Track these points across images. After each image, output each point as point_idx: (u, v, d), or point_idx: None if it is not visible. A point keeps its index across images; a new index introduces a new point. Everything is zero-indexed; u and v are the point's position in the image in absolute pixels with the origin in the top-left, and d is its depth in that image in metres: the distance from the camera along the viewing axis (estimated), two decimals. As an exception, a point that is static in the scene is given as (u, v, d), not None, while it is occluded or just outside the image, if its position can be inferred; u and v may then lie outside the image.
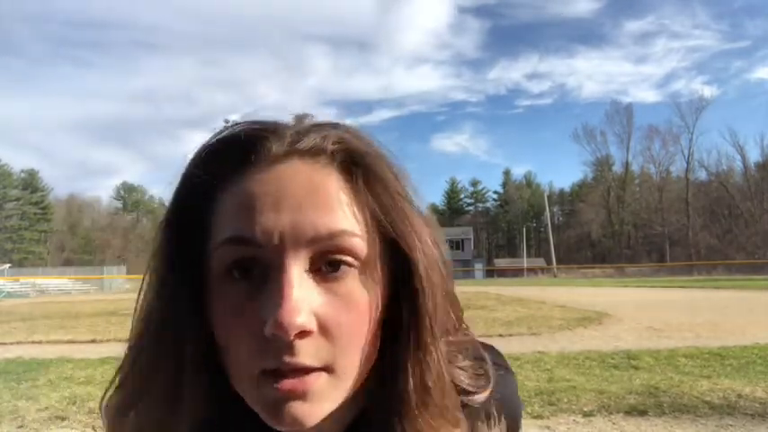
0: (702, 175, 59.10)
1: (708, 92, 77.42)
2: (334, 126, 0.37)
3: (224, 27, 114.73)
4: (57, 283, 38.14)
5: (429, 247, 0.37)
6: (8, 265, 39.04)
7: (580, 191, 74.07)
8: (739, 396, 3.07)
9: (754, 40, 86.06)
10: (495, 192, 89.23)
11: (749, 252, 46.41)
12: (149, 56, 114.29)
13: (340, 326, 0.33)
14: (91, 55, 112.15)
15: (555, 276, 45.22)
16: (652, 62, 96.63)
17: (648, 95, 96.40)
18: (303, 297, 0.32)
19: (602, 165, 66.19)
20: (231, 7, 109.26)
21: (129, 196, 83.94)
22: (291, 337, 0.31)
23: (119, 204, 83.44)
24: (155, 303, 0.36)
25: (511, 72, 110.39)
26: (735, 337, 5.62)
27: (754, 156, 57.51)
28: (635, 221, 61.72)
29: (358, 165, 0.35)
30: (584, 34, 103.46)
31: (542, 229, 72.55)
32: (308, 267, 0.33)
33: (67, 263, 58.05)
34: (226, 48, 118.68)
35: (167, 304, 0.35)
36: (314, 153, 0.35)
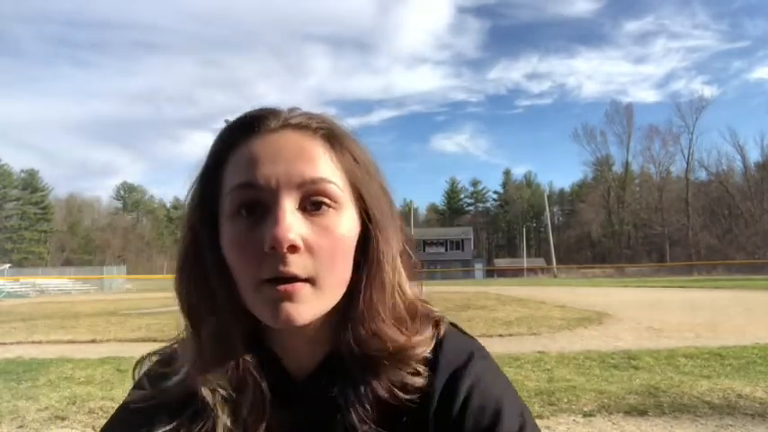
0: (702, 175, 59.09)
1: (708, 92, 77.56)
2: (319, 114, 0.50)
3: (224, 27, 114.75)
4: (57, 283, 38.12)
5: (384, 205, 0.50)
6: (8, 265, 39.02)
7: (580, 191, 74.09)
8: (739, 396, 3.07)
9: (753, 40, 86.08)
10: (495, 192, 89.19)
11: (749, 252, 46.40)
12: (149, 56, 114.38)
13: (321, 248, 0.44)
14: (91, 55, 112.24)
15: (555, 276, 45.23)
16: (652, 62, 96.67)
17: (648, 95, 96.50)
18: (293, 222, 0.43)
19: (602, 165, 66.19)
20: (231, 7, 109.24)
21: (129, 196, 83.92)
22: (285, 249, 0.42)
23: (119, 204, 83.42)
24: (188, 245, 0.49)
25: (511, 72, 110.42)
26: (735, 337, 5.62)
27: (754, 156, 57.56)
28: (635, 221, 61.71)
29: (336, 138, 0.48)
30: (584, 34, 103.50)
31: (542, 229, 72.56)
32: (297, 206, 0.45)
33: (67, 263, 58.04)
34: (226, 48, 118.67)
35: (196, 238, 0.48)
36: (302, 127, 0.47)
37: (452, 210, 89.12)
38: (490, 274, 55.72)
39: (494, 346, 5.20)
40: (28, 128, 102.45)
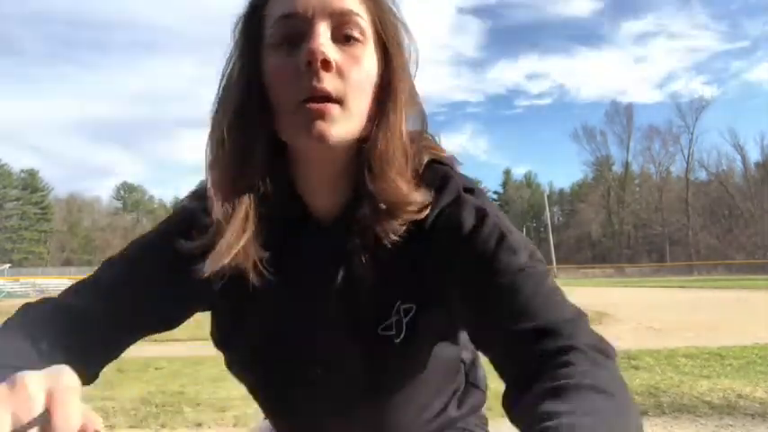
0: (702, 175, 59.07)
1: (707, 92, 77.58)
2: None
3: (224, 27, 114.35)
4: (57, 283, 38.10)
5: (405, 50, 0.57)
6: (8, 265, 39.04)
7: (580, 191, 74.05)
8: (739, 396, 3.07)
9: (753, 41, 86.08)
10: (495, 192, 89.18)
11: (749, 252, 46.41)
12: (150, 56, 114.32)
13: (350, 72, 0.51)
14: (91, 55, 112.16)
15: (555, 276, 45.06)
16: (651, 62, 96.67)
17: (648, 95, 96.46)
18: (327, 44, 0.49)
19: (602, 165, 66.15)
20: (231, 8, 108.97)
21: (129, 196, 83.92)
22: (319, 64, 0.48)
23: (119, 204, 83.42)
24: (231, 72, 0.55)
25: (510, 72, 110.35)
26: (735, 337, 5.61)
27: (754, 156, 57.55)
28: (635, 221, 61.68)
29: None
30: (584, 34, 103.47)
31: (542, 229, 72.53)
32: (330, 36, 0.50)
33: (67, 263, 58.07)
34: (226, 48, 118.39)
35: (241, 66, 0.54)
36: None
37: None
38: (490, 274, 55.63)
39: (494, 346, 5.22)
40: (28, 128, 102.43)
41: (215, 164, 0.55)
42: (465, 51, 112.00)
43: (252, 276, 0.52)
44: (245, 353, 0.60)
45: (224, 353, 0.62)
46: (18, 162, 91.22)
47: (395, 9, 0.56)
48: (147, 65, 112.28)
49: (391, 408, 0.61)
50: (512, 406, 0.44)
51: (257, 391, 0.64)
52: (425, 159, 0.57)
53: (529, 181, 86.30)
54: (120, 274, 0.60)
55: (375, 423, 0.62)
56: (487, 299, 0.49)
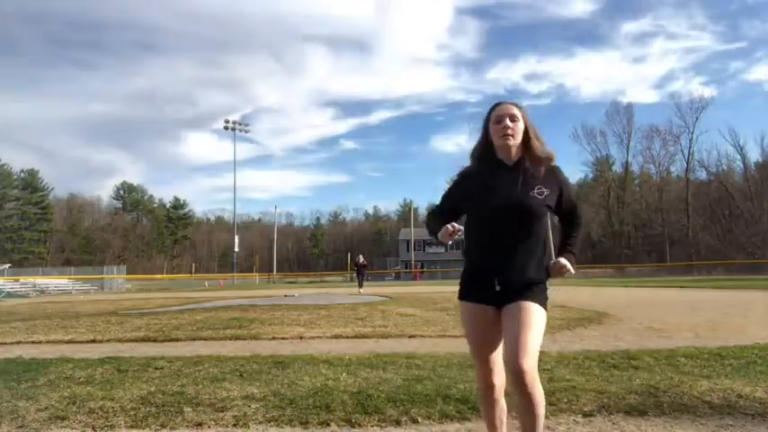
0: (702, 175, 58.99)
1: (706, 92, 77.44)
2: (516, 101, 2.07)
3: (223, 28, 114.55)
4: (57, 283, 38.10)
5: (533, 129, 2.04)
6: (8, 265, 39.02)
7: (580, 191, 73.88)
8: (739, 396, 3.07)
9: (750, 41, 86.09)
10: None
11: (749, 252, 46.35)
12: (149, 57, 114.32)
13: (516, 125, 2.01)
14: (91, 56, 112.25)
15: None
16: (650, 63, 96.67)
17: (646, 96, 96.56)
18: (509, 119, 2.03)
19: (602, 165, 66.04)
20: (230, 8, 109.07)
21: (129, 196, 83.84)
22: (507, 119, 2.02)
23: (119, 204, 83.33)
24: (479, 139, 2.10)
25: (509, 73, 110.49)
26: (735, 337, 5.61)
27: (754, 156, 57.48)
28: (635, 221, 61.59)
29: (519, 107, 2.03)
30: (582, 35, 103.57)
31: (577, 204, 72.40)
32: (509, 118, 2.04)
33: (67, 263, 57.98)
34: (225, 48, 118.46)
35: (484, 136, 2.08)
36: (511, 102, 2.05)
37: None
38: (490, 274, 55.50)
39: (494, 346, 5.21)
40: (28, 128, 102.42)
41: (473, 151, 2.08)
42: (464, 52, 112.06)
43: (484, 175, 1.99)
44: (479, 201, 1.97)
45: (469, 203, 2.02)
46: (18, 162, 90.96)
47: (525, 111, 2.02)
48: (146, 65, 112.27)
49: (524, 233, 1.92)
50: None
51: (477, 218, 2.01)
52: (551, 153, 2.04)
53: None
54: (446, 194, 2.16)
55: (518, 236, 1.91)
56: (569, 204, 2.06)
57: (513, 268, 1.90)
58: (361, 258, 23.93)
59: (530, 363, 1.76)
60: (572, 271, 1.96)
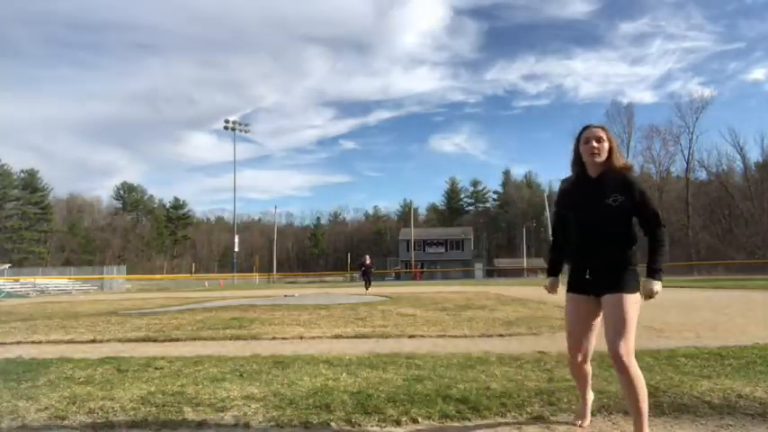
0: (702, 175, 59.00)
1: (704, 93, 77.34)
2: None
3: (222, 28, 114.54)
4: (57, 283, 38.10)
5: (617, 146, 2.46)
6: (8, 265, 39.03)
7: (580, 191, 73.59)
8: (739, 396, 3.06)
9: (748, 42, 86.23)
10: (495, 192, 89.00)
11: (749, 252, 46.36)
12: (148, 57, 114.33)
13: (602, 146, 2.45)
14: (91, 56, 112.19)
15: (555, 276, 45.03)
16: (648, 63, 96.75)
17: (645, 96, 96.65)
18: (597, 140, 2.49)
19: (602, 165, 65.89)
20: (229, 9, 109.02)
21: (129, 196, 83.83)
22: (594, 141, 2.48)
23: (118, 204, 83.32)
24: (572, 158, 2.58)
25: (508, 73, 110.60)
26: (735, 337, 5.61)
27: (754, 156, 57.46)
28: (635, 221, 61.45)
29: (605, 130, 2.47)
30: (580, 36, 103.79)
31: (542, 229, 72.44)
32: (597, 140, 2.50)
33: (67, 263, 57.97)
34: (224, 49, 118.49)
35: (575, 155, 2.56)
36: (599, 126, 2.49)
37: (452, 210, 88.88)
38: (490, 274, 55.62)
39: (494, 346, 5.20)
40: (28, 128, 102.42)
41: (572, 164, 2.53)
42: (462, 53, 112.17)
43: (574, 190, 2.53)
44: (564, 214, 2.58)
45: (558, 215, 2.66)
46: (18, 162, 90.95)
47: (610, 133, 2.44)
48: (146, 66, 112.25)
49: (607, 233, 2.39)
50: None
51: (573, 227, 2.51)
52: (627, 163, 2.46)
53: (529, 181, 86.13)
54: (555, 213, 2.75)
55: (602, 233, 2.39)
56: (643, 206, 2.37)
57: (602, 262, 2.40)
58: (368, 258, 23.16)
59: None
60: (658, 291, 2.33)
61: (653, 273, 2.34)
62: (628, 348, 2.23)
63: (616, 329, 2.26)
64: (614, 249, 2.36)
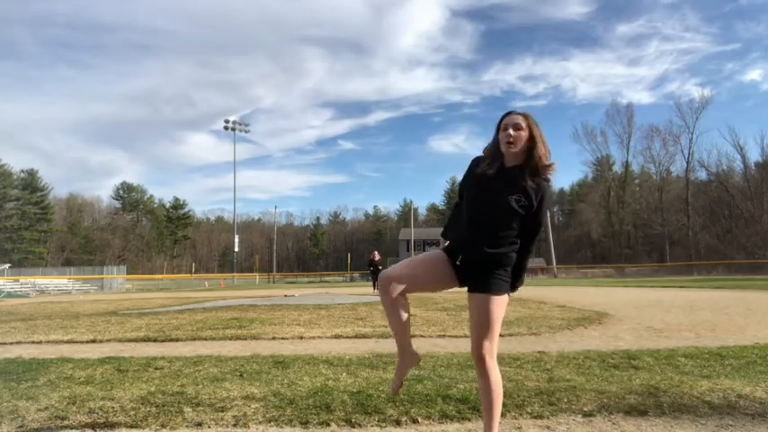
0: (702, 175, 59.01)
1: (702, 93, 77.37)
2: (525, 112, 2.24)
3: (221, 29, 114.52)
4: (57, 283, 38.11)
5: (540, 136, 2.18)
6: (8, 265, 38.99)
7: (580, 191, 73.91)
8: (739, 396, 3.06)
9: (744, 43, 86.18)
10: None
11: (749, 252, 46.36)
12: (147, 58, 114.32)
13: (519, 134, 2.18)
14: (90, 57, 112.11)
15: (555, 276, 45.15)
16: (645, 64, 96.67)
17: (642, 97, 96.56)
18: (512, 128, 2.21)
19: (603, 165, 66.03)
20: (228, 10, 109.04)
21: (129, 196, 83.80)
22: (510, 128, 2.19)
23: (119, 204, 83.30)
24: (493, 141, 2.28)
25: (505, 74, 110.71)
26: (735, 337, 5.62)
27: (754, 156, 57.46)
28: (635, 221, 61.59)
29: (526, 116, 2.21)
30: (577, 37, 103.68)
31: (542, 230, 72.37)
32: (513, 127, 2.21)
33: (67, 263, 57.96)
34: (223, 50, 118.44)
35: (495, 139, 2.28)
36: (519, 113, 2.22)
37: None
38: (490, 274, 55.38)
39: (494, 346, 5.20)
40: (28, 128, 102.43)
41: (485, 150, 2.26)
42: (460, 54, 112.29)
43: (487, 174, 2.18)
44: (471, 197, 2.21)
45: (463, 196, 2.28)
46: (18, 162, 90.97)
47: (534, 121, 2.19)
48: (145, 67, 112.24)
49: (498, 230, 2.16)
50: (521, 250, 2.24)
51: (467, 210, 2.21)
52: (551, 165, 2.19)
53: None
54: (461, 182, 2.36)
55: (492, 229, 2.16)
56: (537, 215, 2.18)
57: (478, 258, 2.22)
58: (377, 255, 21.80)
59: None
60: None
61: (514, 289, 2.27)
62: (491, 350, 2.16)
63: (481, 331, 2.16)
64: (497, 250, 2.17)
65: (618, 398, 3.06)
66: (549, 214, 61.59)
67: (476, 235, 2.18)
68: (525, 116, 2.18)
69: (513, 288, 2.26)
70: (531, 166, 2.15)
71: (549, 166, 2.17)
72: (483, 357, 2.15)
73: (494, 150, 2.22)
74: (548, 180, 2.19)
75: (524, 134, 2.15)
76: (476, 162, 2.27)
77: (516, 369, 3.97)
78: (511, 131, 2.14)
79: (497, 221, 2.15)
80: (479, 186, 2.19)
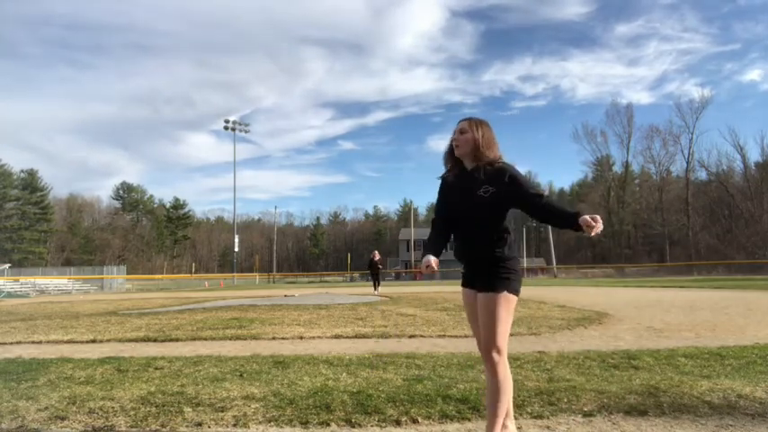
0: (702, 175, 59.02)
1: (701, 93, 77.38)
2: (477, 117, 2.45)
3: (221, 30, 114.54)
4: (57, 283, 38.09)
5: (485, 137, 2.34)
6: (8, 265, 38.98)
7: (580, 191, 73.92)
8: (739, 396, 3.06)
9: (743, 43, 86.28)
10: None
11: (749, 252, 46.35)
12: (147, 58, 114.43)
13: (464, 138, 2.39)
14: (90, 57, 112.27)
15: (555, 276, 45.16)
16: (644, 64, 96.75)
17: (642, 97, 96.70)
18: (459, 133, 2.45)
19: (603, 165, 66.02)
20: (228, 10, 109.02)
21: (129, 196, 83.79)
22: (458, 132, 2.45)
23: (118, 204, 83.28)
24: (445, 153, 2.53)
25: (505, 74, 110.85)
26: (735, 337, 5.62)
27: (754, 156, 57.46)
28: (635, 221, 61.59)
29: (474, 120, 2.41)
30: (577, 37, 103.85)
31: (542, 229, 72.41)
32: (460, 132, 2.48)
33: (67, 263, 57.95)
34: (222, 50, 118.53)
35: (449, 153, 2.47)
36: (467, 118, 2.44)
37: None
38: (490, 274, 55.32)
39: (494, 346, 5.20)
40: (28, 128, 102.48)
41: (445, 160, 2.47)
42: (459, 54, 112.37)
43: (451, 181, 2.41)
44: (444, 202, 2.45)
45: (439, 202, 2.48)
46: (18, 162, 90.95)
47: (480, 124, 2.37)
48: (145, 67, 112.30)
49: (479, 227, 2.29)
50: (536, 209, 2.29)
51: (445, 215, 2.41)
52: (498, 156, 2.35)
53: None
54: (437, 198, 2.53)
55: (475, 227, 2.29)
56: (520, 189, 2.24)
57: (475, 258, 2.36)
58: (377, 254, 21.02)
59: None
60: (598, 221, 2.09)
61: (577, 216, 2.14)
62: (499, 349, 2.19)
63: (488, 330, 2.20)
64: (485, 245, 2.26)
65: (618, 398, 3.06)
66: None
67: (464, 237, 2.35)
68: (471, 121, 2.38)
69: (577, 216, 2.13)
70: (483, 161, 2.31)
71: (495, 158, 2.32)
72: (492, 358, 2.19)
73: (451, 158, 2.43)
74: (502, 163, 2.31)
75: (469, 136, 2.33)
76: (443, 177, 2.49)
77: (516, 369, 3.96)
78: (456, 136, 2.38)
79: (478, 219, 2.28)
80: (452, 192, 2.39)
